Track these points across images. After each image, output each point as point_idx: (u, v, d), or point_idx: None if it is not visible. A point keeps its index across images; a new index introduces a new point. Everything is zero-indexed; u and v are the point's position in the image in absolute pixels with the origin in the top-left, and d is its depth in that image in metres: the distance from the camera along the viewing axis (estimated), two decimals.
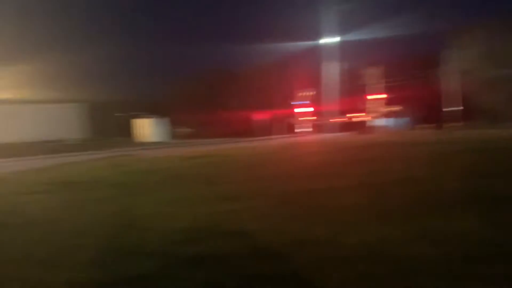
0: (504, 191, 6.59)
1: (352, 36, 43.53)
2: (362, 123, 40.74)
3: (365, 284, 3.33)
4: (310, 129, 44.30)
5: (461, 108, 33.57)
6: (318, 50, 45.28)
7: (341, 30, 43.81)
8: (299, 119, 43.56)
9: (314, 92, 44.41)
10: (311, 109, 43.98)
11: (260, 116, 44.31)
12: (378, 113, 39.47)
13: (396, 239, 4.33)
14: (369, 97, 40.78)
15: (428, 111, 39.53)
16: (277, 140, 19.07)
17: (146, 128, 43.59)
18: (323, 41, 44.04)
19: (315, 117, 44.62)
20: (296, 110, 42.86)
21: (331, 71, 44.32)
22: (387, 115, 40.10)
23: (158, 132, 43.45)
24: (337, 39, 43.76)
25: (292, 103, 43.79)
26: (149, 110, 47.70)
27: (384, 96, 39.93)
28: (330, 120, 44.16)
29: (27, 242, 5.00)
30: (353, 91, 42.85)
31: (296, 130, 42.71)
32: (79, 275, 3.78)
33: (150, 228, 5.39)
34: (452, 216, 5.14)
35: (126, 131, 49.49)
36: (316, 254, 4.03)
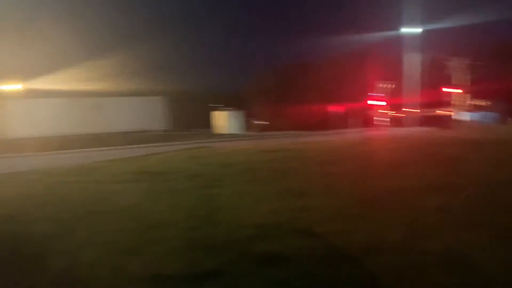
0: None
1: (435, 25, 40.95)
2: (445, 117, 38.21)
3: None
4: (388, 123, 42.50)
5: None
6: (398, 40, 43.19)
7: (424, 18, 41.35)
8: (377, 112, 41.92)
9: (394, 84, 42.46)
10: (390, 102, 42.14)
11: (336, 109, 43.37)
12: (463, 107, 36.71)
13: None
14: (453, 90, 38.05)
15: None
16: (354, 134, 18.53)
17: (223, 121, 44.74)
18: (404, 30, 41.78)
19: (394, 111, 42.70)
20: (374, 102, 41.18)
21: (413, 63, 42.01)
22: (473, 109, 37.12)
23: (234, 125, 44.39)
24: (419, 28, 41.36)
25: (370, 95, 42.23)
26: (228, 103, 48.95)
27: (469, 88, 36.96)
28: (411, 114, 41.97)
29: (109, 230, 5.36)
30: (435, 83, 40.32)
31: (374, 124, 41.19)
32: (152, 264, 3.99)
33: (223, 221, 5.53)
34: None
35: (205, 123, 51.34)
36: (386, 261, 3.85)
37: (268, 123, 48.53)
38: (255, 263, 3.97)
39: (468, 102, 36.63)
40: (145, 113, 33.23)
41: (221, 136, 38.82)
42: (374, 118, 41.76)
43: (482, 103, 37.32)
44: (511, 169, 9.08)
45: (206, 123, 50.99)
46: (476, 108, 37.56)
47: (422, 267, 3.70)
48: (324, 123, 41.96)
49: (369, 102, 40.18)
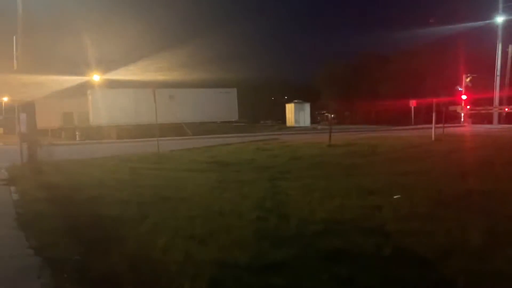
0: None
1: None
2: None
3: None
4: (473, 120, 39.61)
5: None
6: (490, 31, 39.83)
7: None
8: (462, 107, 39.14)
9: (482, 79, 39.32)
10: (477, 97, 39.10)
11: (415, 103, 41.30)
12: None
13: None
14: None
15: None
16: (433, 130, 17.53)
17: (292, 113, 44.64)
18: (498, 20, 38.35)
19: (481, 107, 39.61)
20: (460, 97, 38.40)
21: (505, 55, 38.62)
22: None
23: (303, 117, 44.13)
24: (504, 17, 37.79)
25: (455, 90, 39.48)
26: (301, 95, 48.81)
27: None
28: (499, 110, 38.70)
29: (180, 216, 5.60)
30: None
31: (459, 120, 38.58)
32: (219, 251, 4.11)
33: (290, 214, 5.54)
34: None
35: (277, 115, 51.70)
36: (458, 266, 3.61)
37: (339, 116, 47.70)
38: (320, 258, 3.93)
39: None
40: (219, 104, 34.10)
41: (290, 129, 38.84)
42: (459, 113, 39.14)
43: None
44: None
45: (278, 115, 51.36)
46: None
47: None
48: (403, 118, 40.25)
49: (455, 97, 37.60)
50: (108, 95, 31.31)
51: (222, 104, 34.69)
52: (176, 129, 29.46)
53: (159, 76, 34.29)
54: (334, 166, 10.45)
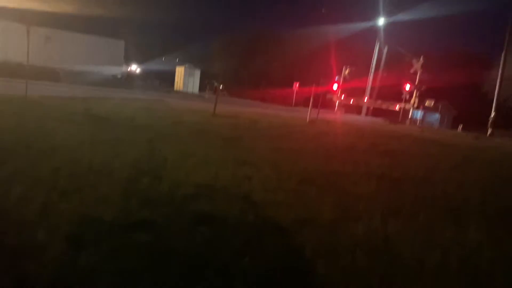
0: None
1: (400, 18, 42.22)
2: (396, 111, 39.64)
3: None
4: (344, 109, 43.60)
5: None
6: (367, 31, 43.90)
7: (389, 11, 42.16)
8: (336, 97, 42.71)
9: (355, 73, 43.26)
10: (349, 88, 43.00)
11: (298, 87, 43.78)
12: (413, 104, 38.09)
13: None
14: (407, 85, 39.33)
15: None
16: (309, 114, 18.88)
17: (182, 77, 43.85)
18: (374, 22, 42.46)
19: (352, 98, 43.69)
20: (334, 87, 41.83)
21: (376, 54, 43.00)
22: (422, 107, 38.60)
23: (192, 83, 43.67)
24: (385, 20, 42.22)
25: (332, 80, 42.79)
26: (194, 61, 47.91)
27: (420, 87, 38.18)
28: (366, 103, 43.19)
29: (41, 169, 5.22)
30: (393, 77, 41.57)
31: (332, 107, 42.05)
32: (84, 207, 3.97)
33: (163, 177, 5.54)
34: None
35: (165, 77, 50.03)
36: (311, 235, 4.06)
37: (225, 88, 48.23)
38: (188, 219, 4.05)
39: (418, 100, 37.99)
40: (103, 54, 31.77)
41: (178, 93, 38.16)
42: (333, 102, 42.61)
43: (431, 103, 38.95)
44: (446, 170, 9.66)
45: (167, 78, 49.80)
46: (424, 107, 39.15)
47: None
48: (284, 98, 42.41)
49: (331, 86, 40.68)
50: None
51: (107, 56, 32.43)
52: (50, 74, 26.73)
53: (36, 4, 30.00)
54: (214, 135, 10.63)
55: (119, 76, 35.72)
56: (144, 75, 51.86)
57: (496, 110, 31.74)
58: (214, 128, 11.83)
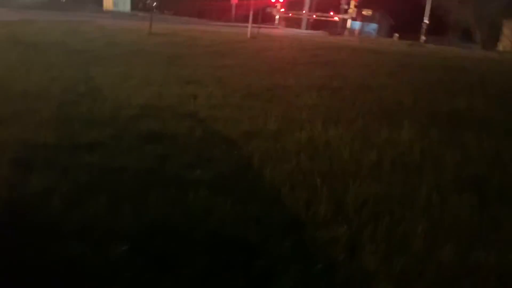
0: None
1: None
2: (335, 23, 39.74)
3: None
4: (284, 23, 42.97)
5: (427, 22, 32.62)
6: None
7: None
8: (276, 11, 41.75)
9: None
10: (288, 3, 42.00)
11: (237, 1, 42.07)
12: (351, 14, 38.25)
13: None
14: None
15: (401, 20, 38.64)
16: (250, 29, 18.52)
17: None
18: None
19: (291, 11, 42.94)
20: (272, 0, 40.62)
21: None
22: (358, 18, 38.96)
23: (122, 1, 40.60)
24: None
25: None
26: None
27: None
28: (306, 16, 42.72)
29: None
30: None
31: (272, 22, 41.20)
32: (25, 133, 3.86)
33: (104, 99, 5.41)
34: None
35: None
36: (258, 145, 4.26)
37: (159, 5, 45.28)
38: (136, 138, 4.07)
39: (355, 10, 38.08)
40: None
41: (108, 12, 35.50)
42: (273, 16, 41.68)
43: (368, 13, 39.24)
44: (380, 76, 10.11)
45: None
46: (362, 18, 39.49)
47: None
48: (222, 14, 40.78)
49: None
50: None
51: None
52: None
53: None
54: (153, 54, 10.27)
55: None
56: None
57: (429, 17, 32.72)
58: (152, 48, 11.37)
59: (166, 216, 2.64)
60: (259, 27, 20.99)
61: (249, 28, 18.52)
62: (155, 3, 38.67)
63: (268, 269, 2.17)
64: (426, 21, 32.70)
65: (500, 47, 34.62)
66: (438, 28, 38.12)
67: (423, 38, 32.19)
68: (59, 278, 1.99)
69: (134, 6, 43.14)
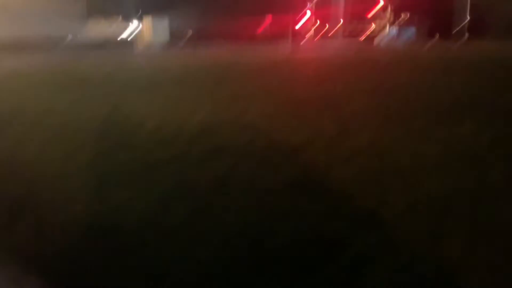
0: None
1: None
2: (372, 32, 39.01)
3: None
4: (316, 36, 42.78)
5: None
6: None
7: None
8: (308, 24, 41.80)
9: None
10: (319, 15, 41.86)
11: (267, 21, 42.78)
12: (388, 20, 37.34)
13: None
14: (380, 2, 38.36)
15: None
16: (285, 46, 18.76)
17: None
18: None
19: (323, 23, 42.80)
20: (304, 16, 40.60)
21: None
22: (395, 24, 37.81)
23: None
24: None
25: (299, 8, 41.44)
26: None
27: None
28: (331, 27, 42.26)
29: None
30: None
31: (304, 36, 41.24)
32: None
33: None
34: None
35: None
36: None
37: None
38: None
39: (393, 15, 37.10)
40: None
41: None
42: (307, 31, 41.71)
43: (406, 16, 38.07)
44: None
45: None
46: (400, 23, 38.51)
47: None
48: (255, 35, 41.28)
49: (303, 15, 39.73)
50: None
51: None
52: None
53: None
54: None
55: None
56: None
57: (470, 14, 31.54)
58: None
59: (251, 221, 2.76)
60: (297, 45, 21.13)
61: (284, 46, 18.71)
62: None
63: (358, 259, 2.22)
64: (468, 17, 31.52)
65: None
66: (480, 25, 36.61)
67: (466, 35, 31.02)
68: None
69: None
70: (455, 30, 32.58)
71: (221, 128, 5.31)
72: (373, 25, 39.06)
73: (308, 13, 39.15)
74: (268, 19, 41.63)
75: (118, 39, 45.55)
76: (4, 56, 20.20)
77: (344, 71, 12.17)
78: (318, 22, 41.79)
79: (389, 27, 37.21)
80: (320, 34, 41.72)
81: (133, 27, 43.16)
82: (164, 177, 3.58)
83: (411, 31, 40.34)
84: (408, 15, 37.75)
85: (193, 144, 4.59)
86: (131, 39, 43.49)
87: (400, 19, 38.02)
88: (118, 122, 5.87)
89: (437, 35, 35.12)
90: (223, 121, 5.72)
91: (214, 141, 4.65)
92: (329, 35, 41.60)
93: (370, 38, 36.45)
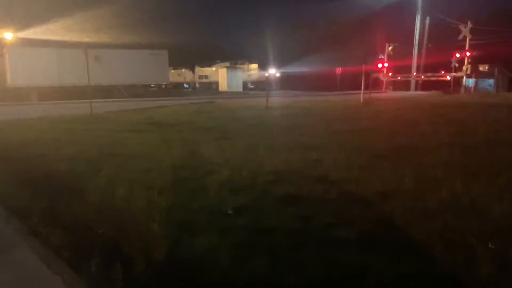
0: None
1: None
2: (446, 82, 37.93)
3: None
4: (393, 86, 42.42)
5: None
6: (408, 3, 42.44)
7: None
8: (383, 74, 41.69)
9: (399, 48, 41.93)
10: (395, 65, 41.67)
11: (341, 71, 43.35)
12: (465, 71, 36.23)
13: None
14: (457, 54, 37.50)
15: None
16: (360, 95, 18.78)
17: (225, 78, 44.48)
18: None
19: (399, 74, 42.44)
20: (382, 65, 40.49)
21: (419, 25, 41.34)
22: (473, 74, 36.63)
23: (235, 82, 44.22)
24: None
25: (378, 58, 41.52)
26: (233, 61, 48.70)
27: (470, 54, 36.09)
28: (417, 78, 41.68)
29: (135, 170, 5.68)
30: (440, 47, 39.77)
31: (381, 86, 41.01)
32: (183, 200, 4.32)
33: (242, 168, 5.82)
34: None
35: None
36: (397, 206, 4.15)
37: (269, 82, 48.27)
38: (276, 201, 4.29)
39: (469, 67, 36.10)
40: (148, 66, 32.75)
41: (223, 93, 38.85)
42: (380, 81, 41.55)
43: (485, 68, 36.90)
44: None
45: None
46: (477, 74, 37.24)
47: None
48: (327, 84, 41.89)
49: (376, 65, 39.71)
50: (28, 54, 28.61)
51: (152, 67, 33.45)
52: (104, 91, 28.04)
53: (84, 37, 32.19)
54: (273, 126, 10.86)
55: (165, 86, 37.25)
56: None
57: None
58: (271, 120, 12.07)
59: (324, 275, 2.71)
60: (370, 93, 21.06)
61: (361, 94, 18.73)
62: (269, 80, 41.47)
63: None
64: None
65: None
66: None
67: None
68: None
69: (245, 86, 46.81)
70: None
71: None
72: (448, 77, 37.99)
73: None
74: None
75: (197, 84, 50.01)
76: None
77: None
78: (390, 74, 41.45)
79: (466, 79, 35.93)
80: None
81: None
82: None
83: (489, 82, 38.61)
84: (487, 68, 36.37)
85: (268, 191, 4.66)
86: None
87: (478, 71, 36.72)
88: None
89: None
90: None
91: (287, 190, 4.68)
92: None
93: (446, 89, 35.34)
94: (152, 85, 37.19)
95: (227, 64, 50.08)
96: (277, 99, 22.34)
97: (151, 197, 4.38)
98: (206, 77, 56.55)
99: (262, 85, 46.95)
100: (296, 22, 52.81)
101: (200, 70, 58.77)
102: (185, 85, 53.11)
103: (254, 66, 49.87)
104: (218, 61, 55.00)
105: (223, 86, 44.25)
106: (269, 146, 7.66)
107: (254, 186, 4.92)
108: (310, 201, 4.33)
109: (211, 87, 49.20)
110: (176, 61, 46.25)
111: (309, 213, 3.96)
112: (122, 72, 30.99)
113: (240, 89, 43.89)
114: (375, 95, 24.24)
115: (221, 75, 45.05)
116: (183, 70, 53.69)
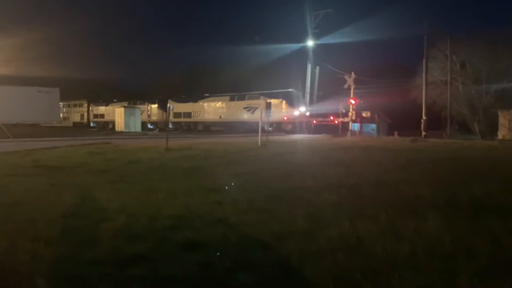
0: None
1: (329, 40, 45.09)
2: (336, 126, 41.44)
3: None
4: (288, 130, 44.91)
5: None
6: (300, 52, 46.17)
7: (318, 33, 44.55)
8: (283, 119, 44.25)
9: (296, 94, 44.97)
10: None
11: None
12: (350, 117, 40.12)
13: None
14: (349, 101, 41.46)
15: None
16: (259, 137, 19.62)
17: (122, 118, 43.12)
18: (308, 43, 44.68)
19: (293, 118, 45.31)
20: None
21: (310, 74, 44.93)
22: (357, 120, 40.80)
23: (133, 122, 43.12)
24: (316, 41, 44.56)
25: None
26: (132, 101, 47.70)
27: (355, 101, 40.40)
28: (310, 123, 44.76)
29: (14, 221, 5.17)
30: (329, 95, 43.64)
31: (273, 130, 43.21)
32: (71, 251, 4.03)
33: (137, 214, 5.64)
34: None
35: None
36: (293, 247, 4.37)
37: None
38: (176, 248, 4.22)
39: (354, 113, 39.99)
40: (38, 104, 30.39)
41: (120, 133, 37.48)
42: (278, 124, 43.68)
43: (367, 114, 41.22)
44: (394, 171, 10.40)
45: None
46: (361, 119, 41.40)
47: None
48: (228, 127, 42.95)
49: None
50: None
51: (42, 105, 31.12)
52: None
53: None
54: (173, 169, 10.72)
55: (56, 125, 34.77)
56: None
57: (426, 114, 34.33)
58: (171, 163, 11.90)
59: None
60: (267, 135, 22.09)
61: (259, 137, 19.55)
62: (170, 120, 41.15)
63: None
64: (424, 117, 34.37)
65: (500, 136, 35.76)
66: (436, 123, 39.77)
67: (423, 133, 33.42)
68: None
69: (144, 126, 45.83)
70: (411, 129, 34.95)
71: None
72: (336, 122, 41.52)
73: None
74: None
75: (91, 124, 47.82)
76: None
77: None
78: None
79: (352, 123, 39.56)
80: None
81: None
82: None
83: (371, 127, 43.15)
84: (369, 114, 40.64)
85: (167, 238, 4.56)
86: None
87: (361, 116, 40.81)
88: None
89: (396, 132, 37.56)
90: None
91: (186, 235, 4.64)
92: None
93: (335, 133, 38.45)
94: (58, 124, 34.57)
95: (125, 103, 48.97)
96: (178, 140, 22.16)
97: (36, 249, 4.02)
98: (102, 116, 54.27)
99: (162, 125, 46.48)
100: (199, 65, 53.85)
101: (95, 109, 56.33)
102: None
103: (154, 106, 49.44)
104: (115, 100, 53.42)
105: (120, 125, 42.79)
106: (169, 189, 7.54)
107: (152, 232, 4.79)
108: (209, 246, 4.34)
109: (107, 126, 47.21)
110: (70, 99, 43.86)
111: (208, 259, 3.96)
112: (6, 111, 28.34)
113: (139, 129, 42.82)
114: (272, 137, 25.36)
115: (118, 115, 43.58)
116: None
